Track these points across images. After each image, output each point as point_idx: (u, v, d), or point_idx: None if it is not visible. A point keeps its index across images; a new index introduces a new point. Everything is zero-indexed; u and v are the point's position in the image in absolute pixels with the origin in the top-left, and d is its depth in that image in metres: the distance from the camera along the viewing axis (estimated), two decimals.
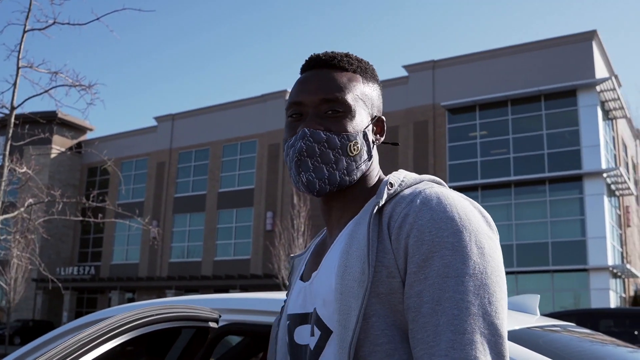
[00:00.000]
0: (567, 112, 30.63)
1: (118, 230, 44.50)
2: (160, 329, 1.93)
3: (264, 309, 2.50)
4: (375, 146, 1.54)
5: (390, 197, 1.38)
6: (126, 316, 1.79)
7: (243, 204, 39.03)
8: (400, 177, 1.44)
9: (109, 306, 41.92)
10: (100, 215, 10.59)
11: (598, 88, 30.24)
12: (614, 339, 2.78)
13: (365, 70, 1.55)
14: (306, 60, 1.56)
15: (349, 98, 1.46)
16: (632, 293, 33.91)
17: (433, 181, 1.48)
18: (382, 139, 1.58)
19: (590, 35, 30.75)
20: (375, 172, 1.55)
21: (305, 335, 1.45)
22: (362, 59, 1.58)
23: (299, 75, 1.57)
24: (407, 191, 1.38)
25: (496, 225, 1.38)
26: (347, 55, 1.54)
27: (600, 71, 31.39)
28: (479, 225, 1.28)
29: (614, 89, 30.68)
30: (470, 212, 1.30)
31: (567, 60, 30.66)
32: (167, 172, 42.89)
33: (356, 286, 1.28)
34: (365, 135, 1.49)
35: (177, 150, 42.84)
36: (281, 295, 2.65)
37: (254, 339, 2.99)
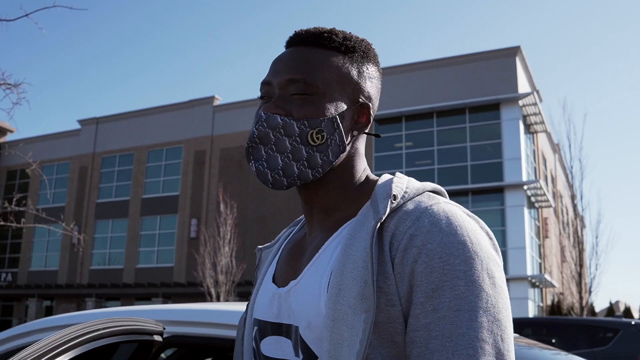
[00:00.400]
0: (490, 125, 31.27)
1: (37, 236, 43.26)
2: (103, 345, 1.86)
3: (208, 321, 2.43)
4: (355, 137, 1.35)
5: (392, 210, 1.21)
6: (73, 331, 1.71)
7: (167, 211, 38.49)
8: (403, 186, 1.26)
9: (26, 314, 40.83)
10: (23, 220, 10.27)
11: (520, 102, 30.99)
12: (536, 342, 3.10)
13: (351, 49, 1.36)
14: (289, 36, 1.40)
15: (319, 79, 1.29)
16: (549, 302, 34.81)
17: (435, 190, 1.33)
18: (367, 129, 1.37)
19: (514, 51, 31.50)
20: (360, 168, 1.37)
21: (279, 349, 1.31)
22: (353, 37, 1.39)
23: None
24: (410, 205, 1.21)
25: None
26: (330, 31, 1.36)
27: (523, 86, 32.18)
28: (489, 251, 1.16)
29: (535, 104, 31.48)
30: (479, 234, 1.17)
31: (491, 74, 31.32)
32: (89, 176, 41.95)
33: (350, 313, 1.12)
34: (336, 123, 1.29)
35: (100, 155, 41.98)
36: (225, 306, 2.58)
37: (190, 350, 2.92)
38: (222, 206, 29.26)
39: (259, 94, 1.36)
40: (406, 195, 1.23)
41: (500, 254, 1.21)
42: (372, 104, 1.38)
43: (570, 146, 27.13)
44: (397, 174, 1.32)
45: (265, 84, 1.34)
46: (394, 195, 1.21)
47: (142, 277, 37.55)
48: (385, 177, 1.32)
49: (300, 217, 1.55)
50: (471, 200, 30.98)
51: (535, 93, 31.35)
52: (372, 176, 1.38)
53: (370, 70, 1.39)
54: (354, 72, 1.35)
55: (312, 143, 1.27)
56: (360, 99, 1.35)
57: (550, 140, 39.83)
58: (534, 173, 33.81)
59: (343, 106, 1.32)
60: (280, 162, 1.27)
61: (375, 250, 1.14)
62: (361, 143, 1.38)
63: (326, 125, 1.28)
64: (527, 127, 33.29)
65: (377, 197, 1.24)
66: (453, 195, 31.23)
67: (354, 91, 1.34)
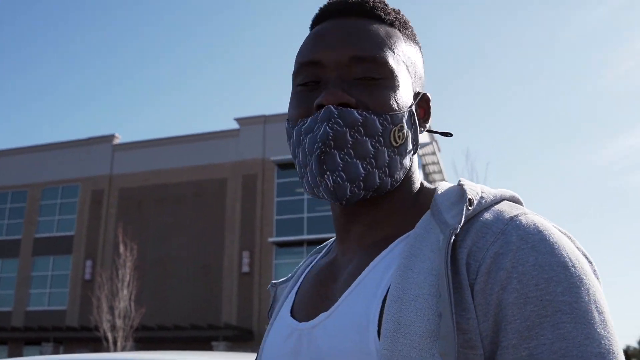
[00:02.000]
0: None
1: None
2: None
3: None
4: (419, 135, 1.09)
5: (466, 220, 0.94)
6: None
7: (61, 251, 37.10)
8: (478, 190, 0.99)
9: None
10: None
11: (420, 152, 31.79)
12: None
13: (405, 26, 1.10)
14: (321, 8, 1.10)
15: (391, 60, 1.02)
16: None
17: (513, 199, 1.04)
18: (428, 125, 1.12)
19: None
20: (417, 173, 1.10)
21: None
22: (400, 11, 1.13)
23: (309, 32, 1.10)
24: (487, 215, 0.94)
25: None
26: (381, 0, 1.10)
27: (422, 136, 33.00)
28: (593, 278, 0.89)
29: (434, 153, 32.42)
30: (580, 256, 0.91)
31: None
32: None
33: (415, 356, 0.84)
34: (413, 117, 1.05)
35: None
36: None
37: None
38: (121, 248, 28.58)
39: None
40: (483, 202, 0.97)
41: (601, 282, 0.94)
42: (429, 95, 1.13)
43: None
44: (462, 179, 1.04)
45: (309, 64, 1.03)
46: (470, 199, 0.95)
47: (32, 320, 35.91)
48: (445, 184, 1.07)
49: (322, 245, 1.27)
50: None
51: (434, 143, 32.30)
52: (426, 184, 1.12)
53: (420, 54, 1.14)
54: (412, 54, 1.09)
55: (394, 144, 1.00)
56: (419, 89, 1.10)
57: None
58: None
59: (411, 96, 1.06)
60: (362, 170, 0.98)
61: (450, 272, 0.86)
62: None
63: (407, 120, 1.03)
64: (426, 175, 34.20)
65: (439, 207, 0.97)
66: None
67: (415, 78, 1.09)
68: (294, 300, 1.12)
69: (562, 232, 0.95)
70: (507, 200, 1.02)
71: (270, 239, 32.09)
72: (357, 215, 1.06)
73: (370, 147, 0.98)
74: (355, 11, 1.06)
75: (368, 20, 1.05)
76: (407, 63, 1.06)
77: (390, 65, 1.01)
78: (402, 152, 1.02)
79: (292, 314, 1.08)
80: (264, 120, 34.55)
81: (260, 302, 31.46)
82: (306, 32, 1.12)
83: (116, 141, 38.01)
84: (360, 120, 0.97)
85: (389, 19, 1.07)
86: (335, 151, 0.97)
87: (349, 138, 0.97)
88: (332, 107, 0.97)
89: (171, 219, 34.45)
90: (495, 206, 0.96)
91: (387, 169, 1.00)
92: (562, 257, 0.87)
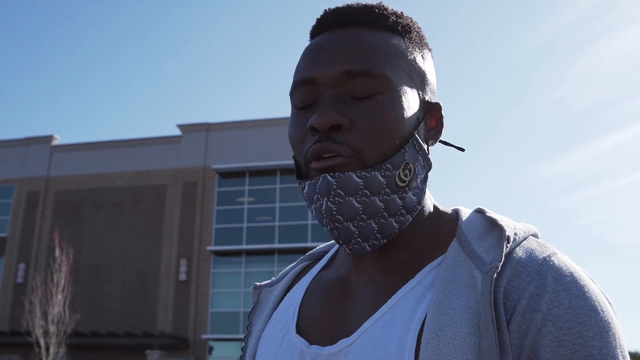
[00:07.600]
0: None
1: None
2: None
3: None
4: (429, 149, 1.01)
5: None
6: None
7: None
8: (511, 226, 0.95)
9: None
10: None
11: None
12: None
13: (408, 29, 1.01)
14: (317, 19, 1.02)
15: (389, 71, 0.94)
16: None
17: (536, 235, 1.01)
18: (440, 135, 1.03)
19: None
20: (426, 190, 1.02)
21: None
22: (402, 13, 1.03)
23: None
24: (520, 252, 0.92)
25: None
26: (379, 6, 1.00)
27: None
28: (616, 321, 0.89)
29: None
30: (605, 299, 0.91)
31: None
32: None
33: None
34: (417, 144, 0.96)
35: None
36: None
37: None
38: (57, 251, 28.06)
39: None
40: (516, 239, 0.94)
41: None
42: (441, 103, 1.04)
43: None
44: (482, 207, 1.02)
45: (303, 83, 0.96)
46: (509, 237, 0.92)
47: None
48: (465, 210, 1.04)
49: (313, 252, 1.22)
50: None
51: None
52: (441, 206, 1.07)
53: (430, 58, 1.05)
54: (419, 59, 1.01)
55: (401, 184, 0.94)
56: (429, 97, 1.02)
57: None
58: None
59: (417, 107, 0.98)
60: (374, 226, 0.94)
61: (493, 312, 0.84)
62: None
63: (410, 154, 0.95)
64: None
65: (467, 237, 0.95)
66: (293, 253, 31.63)
67: (422, 86, 1.00)
68: (298, 316, 1.04)
69: (585, 274, 0.94)
70: (532, 236, 0.99)
71: (209, 248, 31.92)
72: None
73: (379, 203, 0.93)
74: (351, 21, 0.98)
75: (365, 30, 0.97)
76: (409, 72, 0.97)
77: (387, 78, 0.93)
78: (412, 184, 0.96)
79: (300, 333, 1.01)
80: (207, 128, 34.41)
81: (197, 310, 31.23)
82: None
83: (55, 142, 37.25)
84: (362, 184, 0.91)
85: (388, 25, 0.99)
86: (349, 223, 0.93)
87: (357, 205, 0.92)
88: (328, 177, 0.91)
89: (108, 224, 33.95)
90: (525, 243, 0.94)
91: (403, 210, 0.96)
92: (593, 301, 0.87)
